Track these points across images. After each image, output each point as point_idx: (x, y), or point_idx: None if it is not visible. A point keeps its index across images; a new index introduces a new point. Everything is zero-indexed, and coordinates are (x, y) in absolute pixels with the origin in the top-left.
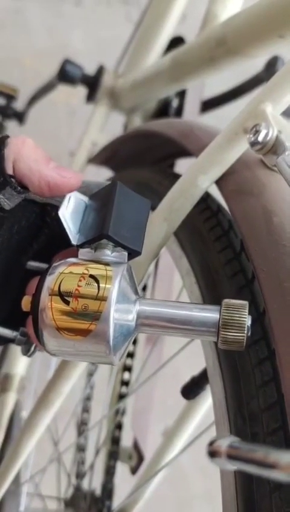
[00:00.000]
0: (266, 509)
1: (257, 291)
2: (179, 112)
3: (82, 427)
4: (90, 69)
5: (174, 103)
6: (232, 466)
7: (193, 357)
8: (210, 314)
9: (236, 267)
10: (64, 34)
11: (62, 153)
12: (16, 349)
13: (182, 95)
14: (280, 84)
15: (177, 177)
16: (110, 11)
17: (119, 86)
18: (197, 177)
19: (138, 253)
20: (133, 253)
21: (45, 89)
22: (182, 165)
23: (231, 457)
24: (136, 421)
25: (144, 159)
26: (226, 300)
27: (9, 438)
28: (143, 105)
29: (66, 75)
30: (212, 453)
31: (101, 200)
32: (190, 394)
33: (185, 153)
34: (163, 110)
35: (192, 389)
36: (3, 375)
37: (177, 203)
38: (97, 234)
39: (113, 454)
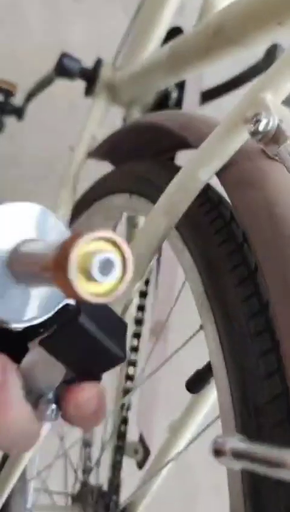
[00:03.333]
0: (273, 502)
1: (260, 282)
2: (178, 103)
3: None
4: (88, 64)
5: (174, 95)
6: (238, 465)
7: (197, 349)
8: None
9: (238, 259)
10: (62, 29)
11: (63, 147)
12: None
13: (181, 86)
14: (279, 71)
15: (177, 169)
16: (108, 5)
17: (117, 78)
18: (197, 170)
19: (122, 359)
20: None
21: (43, 84)
22: (182, 158)
23: (236, 456)
24: (142, 416)
25: (143, 152)
26: None
27: None
28: (142, 97)
29: (63, 68)
30: (217, 452)
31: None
32: (194, 388)
33: (185, 145)
34: (162, 102)
35: (196, 383)
36: None
37: (177, 196)
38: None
39: (119, 449)
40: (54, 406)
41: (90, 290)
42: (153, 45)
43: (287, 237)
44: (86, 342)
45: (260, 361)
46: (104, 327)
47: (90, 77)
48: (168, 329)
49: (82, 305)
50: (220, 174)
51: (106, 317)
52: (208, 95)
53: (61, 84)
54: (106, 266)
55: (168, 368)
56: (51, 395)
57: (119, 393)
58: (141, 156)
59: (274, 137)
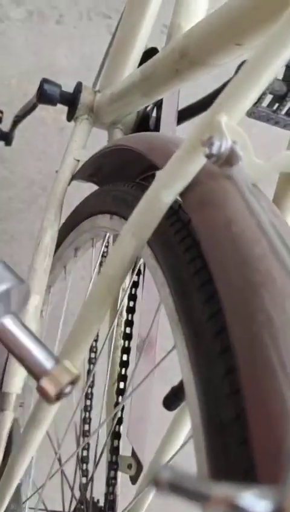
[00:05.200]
0: None
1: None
2: (158, 123)
3: (81, 438)
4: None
5: (153, 115)
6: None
7: None
8: None
9: (205, 277)
10: (48, 53)
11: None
12: (11, 368)
13: (159, 106)
14: (233, 92)
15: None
16: (91, 26)
17: (97, 101)
18: (160, 192)
19: None
20: None
21: (26, 110)
22: None
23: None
24: (133, 430)
25: (123, 173)
26: None
27: (9, 457)
28: (122, 119)
29: (44, 95)
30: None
31: None
32: (170, 405)
33: (154, 167)
34: (143, 122)
35: (172, 400)
36: (1, 394)
37: (144, 217)
38: None
39: (113, 464)
40: None
41: None
42: (129, 67)
43: (243, 254)
44: None
45: (224, 380)
46: None
47: (71, 101)
48: (157, 343)
49: None
50: (182, 194)
51: None
52: (185, 114)
53: (51, 108)
54: None
55: (158, 380)
56: None
57: (110, 408)
58: (121, 178)
59: (228, 159)
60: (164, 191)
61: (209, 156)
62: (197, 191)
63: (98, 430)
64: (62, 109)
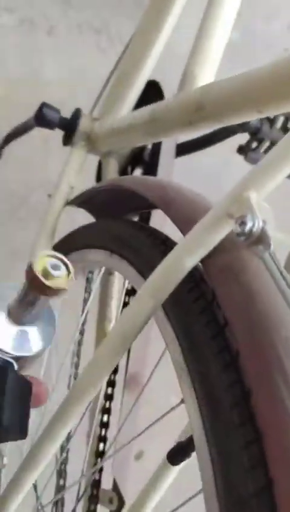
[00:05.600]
0: None
1: (242, 369)
2: (152, 157)
3: (61, 480)
4: (62, 98)
5: (148, 149)
6: None
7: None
8: None
9: (220, 343)
10: (36, 63)
11: (35, 180)
12: None
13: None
14: (264, 171)
15: (156, 235)
16: (81, 40)
17: (95, 130)
18: (183, 257)
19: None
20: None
21: (21, 130)
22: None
23: None
24: (117, 463)
25: (120, 210)
26: None
27: None
28: (119, 150)
29: (44, 119)
30: None
31: None
32: (175, 460)
33: (152, 206)
34: (139, 153)
35: (178, 455)
36: None
37: (163, 280)
38: None
39: (94, 498)
40: None
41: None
42: (131, 99)
43: (267, 334)
44: None
45: (243, 452)
46: (17, 399)
47: (69, 127)
48: (142, 382)
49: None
50: (204, 261)
51: (24, 398)
52: (184, 148)
53: None
54: (55, 267)
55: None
56: None
57: (94, 442)
58: (118, 213)
59: (258, 240)
60: (186, 257)
61: (239, 234)
62: (218, 259)
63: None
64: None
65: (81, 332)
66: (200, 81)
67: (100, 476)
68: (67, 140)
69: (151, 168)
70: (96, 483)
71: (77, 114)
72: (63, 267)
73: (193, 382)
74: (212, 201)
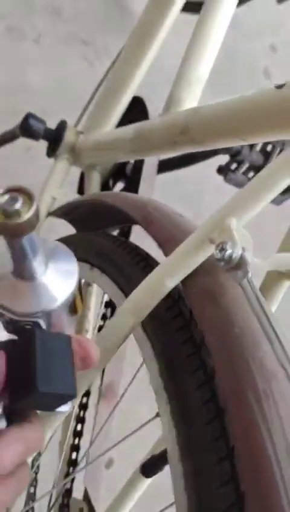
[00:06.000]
0: None
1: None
2: (134, 171)
3: (31, 488)
4: (45, 107)
5: (130, 164)
6: None
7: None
8: None
9: (196, 363)
10: (22, 71)
11: None
12: None
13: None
14: (245, 199)
15: (138, 251)
16: (68, 50)
17: (80, 143)
18: (164, 278)
19: (73, 396)
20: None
21: (5, 139)
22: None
23: None
24: (88, 472)
25: (99, 221)
26: None
27: None
28: (102, 164)
29: (29, 130)
30: None
31: (20, 350)
32: (148, 472)
33: (132, 221)
34: (120, 169)
35: (151, 468)
36: None
37: (144, 299)
38: (28, 393)
39: (64, 508)
40: None
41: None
42: (116, 114)
43: (242, 355)
44: (28, 359)
45: (216, 468)
46: (51, 358)
47: (54, 139)
48: (117, 391)
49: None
50: (184, 282)
51: (61, 355)
52: (166, 166)
53: None
54: (11, 201)
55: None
56: None
57: (67, 451)
58: (99, 226)
59: (237, 266)
60: (167, 278)
61: (219, 260)
62: (198, 280)
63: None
64: None
65: None
66: (185, 103)
67: (72, 485)
68: (52, 151)
69: (133, 183)
70: (67, 493)
71: (62, 126)
72: (20, 198)
73: (169, 398)
74: (192, 220)
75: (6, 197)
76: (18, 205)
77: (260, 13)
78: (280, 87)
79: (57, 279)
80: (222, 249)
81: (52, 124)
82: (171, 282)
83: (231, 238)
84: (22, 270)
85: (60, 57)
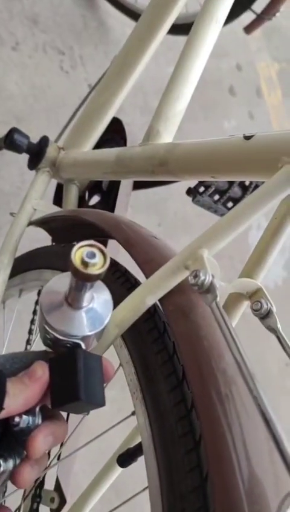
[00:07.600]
0: None
1: (186, 393)
2: (111, 188)
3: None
4: (21, 112)
5: (108, 180)
6: None
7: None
8: None
9: (169, 369)
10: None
11: None
12: None
13: None
14: (215, 233)
15: (117, 267)
16: (45, 59)
17: (61, 158)
18: (145, 296)
19: (102, 405)
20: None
21: None
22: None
23: None
24: (62, 464)
25: (76, 233)
26: None
27: None
28: (80, 179)
29: (13, 143)
30: None
31: (63, 364)
32: (124, 463)
33: (108, 236)
34: (97, 184)
35: (126, 459)
36: None
37: (127, 313)
38: (71, 400)
39: (36, 498)
40: None
41: (89, 271)
42: (97, 133)
43: (209, 363)
44: (71, 373)
45: (184, 457)
46: (89, 374)
47: (36, 153)
48: None
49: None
50: (162, 300)
51: (96, 371)
52: (140, 184)
53: None
54: (91, 255)
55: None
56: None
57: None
58: (75, 238)
59: (207, 290)
60: (148, 296)
61: (193, 284)
62: (174, 299)
63: None
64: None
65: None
66: (163, 136)
67: (44, 477)
68: (33, 164)
69: (108, 198)
70: (40, 484)
71: (44, 142)
72: (98, 254)
73: (144, 399)
74: (166, 243)
75: (87, 249)
76: (96, 259)
77: (228, 36)
78: (248, 138)
79: (99, 309)
80: (195, 275)
81: (27, 131)
82: (151, 300)
83: (202, 266)
84: (74, 301)
85: (38, 65)
